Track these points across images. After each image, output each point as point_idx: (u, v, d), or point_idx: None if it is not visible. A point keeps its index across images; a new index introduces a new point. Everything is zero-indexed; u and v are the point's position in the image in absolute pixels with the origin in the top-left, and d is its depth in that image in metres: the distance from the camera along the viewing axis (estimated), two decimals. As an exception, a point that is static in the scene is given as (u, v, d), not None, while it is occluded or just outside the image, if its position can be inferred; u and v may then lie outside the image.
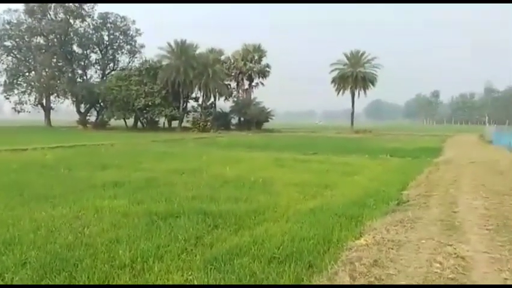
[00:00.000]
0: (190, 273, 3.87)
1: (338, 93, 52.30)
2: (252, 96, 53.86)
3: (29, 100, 51.05)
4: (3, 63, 50.08)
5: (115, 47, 54.20)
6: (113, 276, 3.77)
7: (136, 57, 54.62)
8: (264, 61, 53.75)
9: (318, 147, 21.61)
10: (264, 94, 56.70)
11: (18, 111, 51.48)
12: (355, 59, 51.10)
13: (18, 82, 50.42)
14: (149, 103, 42.71)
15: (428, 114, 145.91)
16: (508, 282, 3.33)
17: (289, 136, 38.40)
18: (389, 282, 3.37)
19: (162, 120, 49.28)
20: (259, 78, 54.07)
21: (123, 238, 4.88)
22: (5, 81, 49.71)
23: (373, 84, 51.39)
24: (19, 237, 4.81)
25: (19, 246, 4.48)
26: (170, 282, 3.64)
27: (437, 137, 35.05)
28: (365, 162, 14.50)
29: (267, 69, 53.86)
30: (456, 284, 3.32)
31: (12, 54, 50.39)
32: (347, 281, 3.48)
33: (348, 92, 51.60)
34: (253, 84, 54.38)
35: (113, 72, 52.50)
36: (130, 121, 49.42)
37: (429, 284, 3.32)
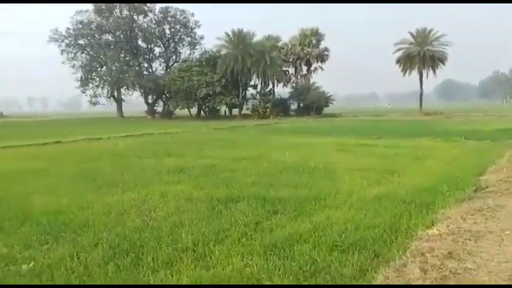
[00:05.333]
0: (250, 258, 3.84)
1: (405, 74, 49.29)
2: (311, 81, 52.82)
3: (103, 93, 55.37)
4: (78, 61, 54.61)
5: (176, 39, 56.25)
6: (176, 259, 3.86)
7: (196, 49, 56.32)
8: (323, 45, 52.28)
9: (383, 131, 20.55)
10: (324, 78, 55.33)
11: (94, 104, 56.09)
12: (422, 37, 47.62)
13: (92, 77, 54.71)
14: (210, 92, 43.85)
15: (508, 93, 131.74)
16: None
17: (351, 120, 37.12)
18: (467, 276, 3.03)
19: (223, 109, 50.38)
20: (317, 62, 52.74)
21: (186, 222, 4.99)
22: (81, 76, 54.25)
23: (443, 63, 47.63)
24: (93, 219, 5.15)
25: (93, 228, 4.79)
26: (231, 267, 3.62)
27: (520, 118, 31.54)
28: (437, 145, 13.49)
29: (326, 53, 52.28)
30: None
31: (85, 52, 54.71)
32: (417, 273, 3.20)
33: (415, 73, 48.40)
34: (311, 69, 53.21)
35: (175, 64, 54.70)
36: (194, 110, 51.23)
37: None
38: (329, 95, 51.35)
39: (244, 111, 48.21)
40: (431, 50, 46.92)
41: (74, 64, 54.23)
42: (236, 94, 45.84)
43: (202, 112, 51.13)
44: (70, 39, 53.47)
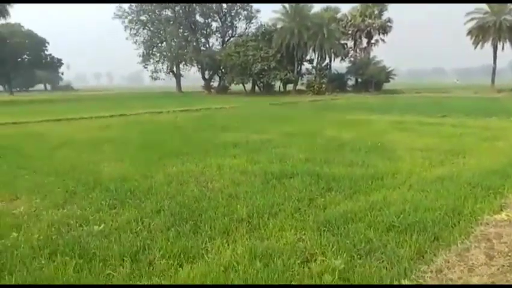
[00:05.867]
0: (303, 232, 3.88)
1: (476, 46, 45.08)
2: (371, 55, 50.32)
3: (163, 68, 57.41)
4: (140, 36, 56.87)
5: (232, 13, 56.09)
6: (232, 229, 4.01)
7: (252, 23, 55.74)
8: (385, 15, 49.22)
9: (449, 109, 19.20)
10: (385, 52, 52.43)
11: (155, 79, 58.50)
12: (499, 5, 42.84)
13: (153, 52, 56.78)
14: (265, 67, 43.59)
15: None
16: None
17: (413, 97, 35.10)
18: (540, 267, 2.81)
19: (278, 84, 50.02)
20: (379, 34, 49.92)
21: (241, 194, 5.14)
22: (143, 52, 56.58)
23: (523, 34, 42.80)
24: (155, 188, 5.48)
25: (155, 196, 5.11)
26: (284, 240, 3.69)
27: None
28: (510, 125, 12.35)
29: (389, 24, 49.17)
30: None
31: (147, 28, 56.67)
32: (481, 259, 3.03)
33: (488, 45, 44.09)
34: (372, 41, 50.56)
35: (231, 39, 54.81)
36: (248, 86, 51.47)
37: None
38: (389, 69, 48.72)
39: (298, 87, 47.47)
40: (509, 19, 42.25)
41: (136, 40, 56.66)
42: (291, 69, 45.14)
43: (256, 87, 51.21)
44: (132, 15, 55.63)
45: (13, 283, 2.96)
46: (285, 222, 4.15)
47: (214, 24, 57.39)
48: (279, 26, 45.28)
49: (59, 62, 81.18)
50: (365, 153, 7.98)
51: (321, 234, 3.79)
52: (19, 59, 70.66)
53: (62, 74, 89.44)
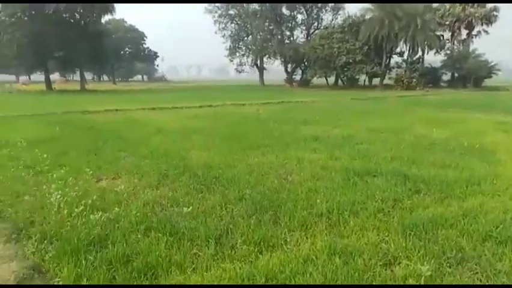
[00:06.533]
0: (386, 234, 3.72)
1: None
2: (471, 48, 45.49)
3: (247, 62, 59.06)
4: (228, 30, 59.05)
5: (319, 5, 55.15)
6: (311, 223, 4.01)
7: (339, 14, 54.28)
8: (490, 3, 43.97)
9: None
10: (488, 44, 47.00)
11: (240, 72, 60.48)
12: None
13: (239, 46, 58.65)
14: (350, 60, 42.18)
15: None
16: None
17: (520, 95, 30.97)
18: None
19: (362, 78, 48.03)
20: (481, 25, 44.87)
21: (320, 189, 5.10)
22: (230, 45, 58.73)
23: None
24: (238, 177, 5.70)
25: (238, 184, 5.32)
26: (365, 239, 3.59)
27: None
28: None
29: (494, 13, 43.90)
30: None
31: (234, 21, 58.59)
32: None
33: None
34: (473, 33, 45.67)
35: (316, 31, 53.97)
36: (331, 79, 50.33)
37: None
38: (492, 64, 43.58)
39: (386, 81, 44.98)
40: None
41: (224, 34, 59.02)
42: (378, 62, 42.93)
43: (339, 81, 49.84)
44: (221, 10, 57.94)
45: (115, 253, 3.34)
46: (367, 221, 4.03)
47: (300, 17, 57.16)
48: (367, 16, 43.30)
49: (155, 55, 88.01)
50: (459, 155, 7.34)
51: (406, 237, 3.61)
52: (121, 52, 78.13)
53: (157, 66, 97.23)
